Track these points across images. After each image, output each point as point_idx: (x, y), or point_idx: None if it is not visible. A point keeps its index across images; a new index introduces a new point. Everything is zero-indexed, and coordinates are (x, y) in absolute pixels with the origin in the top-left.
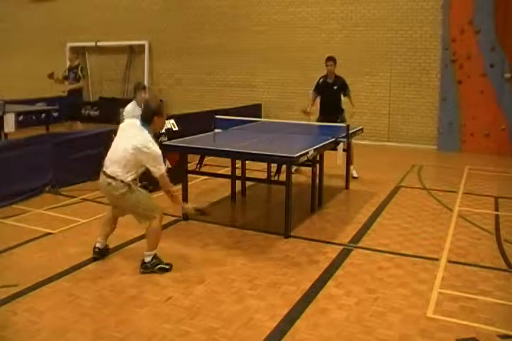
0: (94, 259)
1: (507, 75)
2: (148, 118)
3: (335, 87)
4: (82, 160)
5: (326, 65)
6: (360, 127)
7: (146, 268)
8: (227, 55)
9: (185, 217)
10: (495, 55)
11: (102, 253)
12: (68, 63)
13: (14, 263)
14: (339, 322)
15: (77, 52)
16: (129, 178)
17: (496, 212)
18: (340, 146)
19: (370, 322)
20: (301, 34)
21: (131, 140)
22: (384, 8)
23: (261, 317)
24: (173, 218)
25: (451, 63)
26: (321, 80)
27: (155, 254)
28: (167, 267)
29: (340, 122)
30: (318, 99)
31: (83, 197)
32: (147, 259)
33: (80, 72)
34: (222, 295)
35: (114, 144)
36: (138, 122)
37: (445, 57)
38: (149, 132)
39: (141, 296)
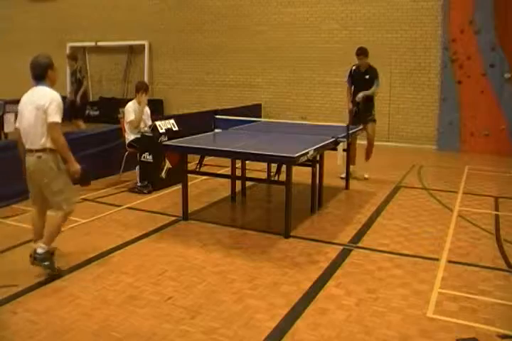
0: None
1: (507, 75)
2: (43, 74)
3: (367, 77)
4: (82, 160)
5: (357, 58)
6: (360, 127)
7: (35, 259)
8: (227, 55)
9: (185, 216)
10: (495, 55)
11: (43, 260)
12: (68, 68)
13: (14, 263)
14: (339, 322)
15: (75, 55)
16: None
17: (496, 212)
18: (340, 146)
19: (370, 322)
20: (301, 34)
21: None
22: (384, 8)
23: (261, 317)
24: (173, 218)
25: (451, 63)
26: (354, 68)
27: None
28: (55, 272)
29: (370, 120)
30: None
31: (83, 197)
32: (39, 250)
33: (79, 75)
34: (222, 295)
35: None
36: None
37: (445, 57)
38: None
39: (141, 296)
